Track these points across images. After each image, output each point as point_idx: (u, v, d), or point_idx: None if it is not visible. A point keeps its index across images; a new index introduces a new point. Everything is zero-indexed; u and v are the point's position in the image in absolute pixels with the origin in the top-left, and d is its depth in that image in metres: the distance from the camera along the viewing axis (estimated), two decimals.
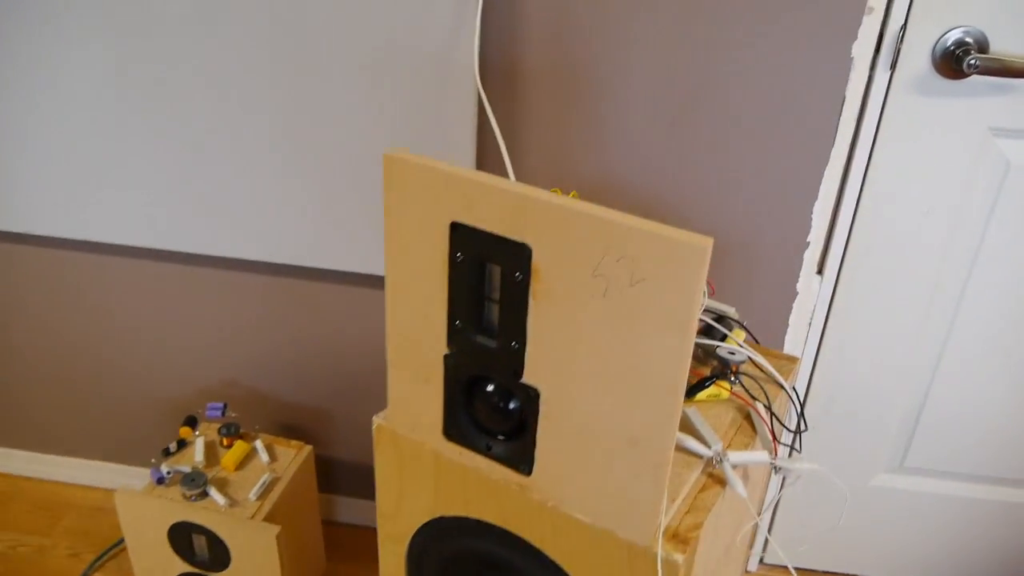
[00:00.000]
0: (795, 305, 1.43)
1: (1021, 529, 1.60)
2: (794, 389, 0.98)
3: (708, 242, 0.61)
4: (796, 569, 1.69)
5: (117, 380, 1.72)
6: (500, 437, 0.81)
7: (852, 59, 1.23)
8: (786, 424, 0.94)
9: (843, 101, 1.26)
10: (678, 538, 0.75)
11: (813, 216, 1.35)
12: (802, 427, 0.92)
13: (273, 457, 1.52)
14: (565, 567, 0.80)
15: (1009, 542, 1.62)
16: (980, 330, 1.42)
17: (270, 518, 1.41)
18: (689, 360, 0.66)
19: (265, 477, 1.45)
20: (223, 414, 1.57)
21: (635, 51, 1.26)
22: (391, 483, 0.91)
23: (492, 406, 0.79)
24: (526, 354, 0.74)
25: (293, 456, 1.53)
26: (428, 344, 0.80)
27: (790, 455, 0.93)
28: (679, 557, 0.73)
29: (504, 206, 0.69)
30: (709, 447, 0.82)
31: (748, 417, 0.92)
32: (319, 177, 1.38)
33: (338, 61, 1.27)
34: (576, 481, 0.76)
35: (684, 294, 0.63)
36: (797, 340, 1.47)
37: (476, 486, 0.83)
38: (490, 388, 0.79)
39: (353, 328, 1.57)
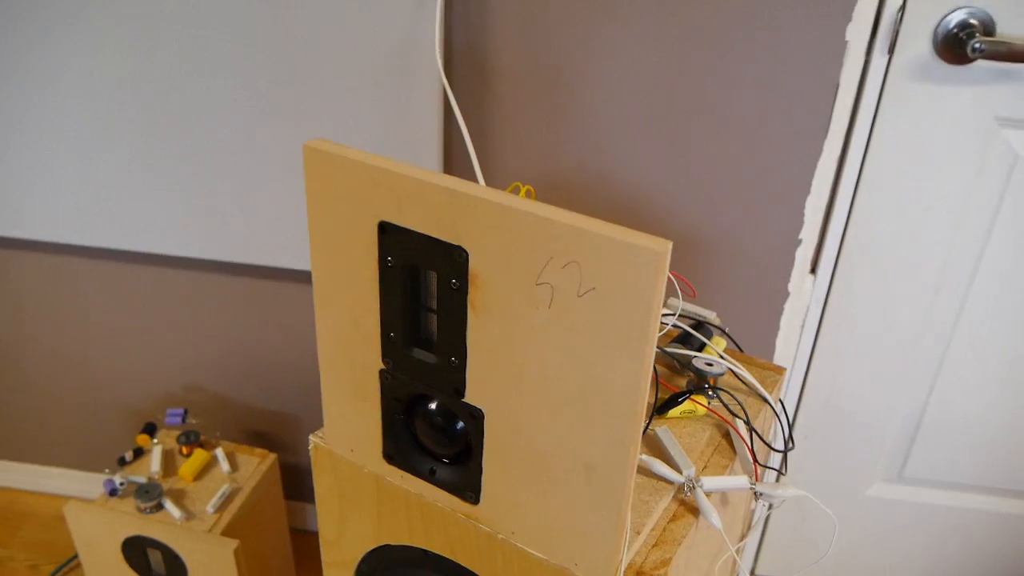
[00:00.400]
0: (787, 307, 1.34)
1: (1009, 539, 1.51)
2: (780, 403, 0.90)
3: (666, 246, 0.53)
4: None
5: (77, 384, 1.64)
6: (445, 461, 0.72)
7: (847, 43, 1.14)
8: (771, 442, 0.85)
9: (837, 88, 1.17)
10: None
11: (806, 212, 1.26)
12: (789, 446, 0.83)
13: (234, 466, 1.43)
14: None
15: (1012, 555, 1.53)
16: (984, 332, 1.33)
17: (229, 531, 1.33)
18: (648, 380, 0.57)
19: (224, 488, 1.37)
20: (183, 421, 1.48)
21: (611, 40, 1.17)
22: (332, 508, 0.82)
23: (435, 426, 0.71)
24: (467, 371, 0.65)
25: (256, 465, 1.44)
26: (362, 358, 0.71)
27: (777, 478, 0.84)
28: None
29: (436, 204, 0.60)
30: (680, 472, 0.73)
31: (728, 435, 0.83)
32: (281, 176, 1.29)
33: (295, 61, 1.19)
34: (527, 512, 0.68)
35: (640, 306, 0.54)
36: (789, 343, 1.38)
37: (420, 514, 0.75)
38: (432, 406, 0.70)
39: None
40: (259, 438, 1.64)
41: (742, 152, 1.22)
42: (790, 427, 0.85)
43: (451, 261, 0.61)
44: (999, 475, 1.45)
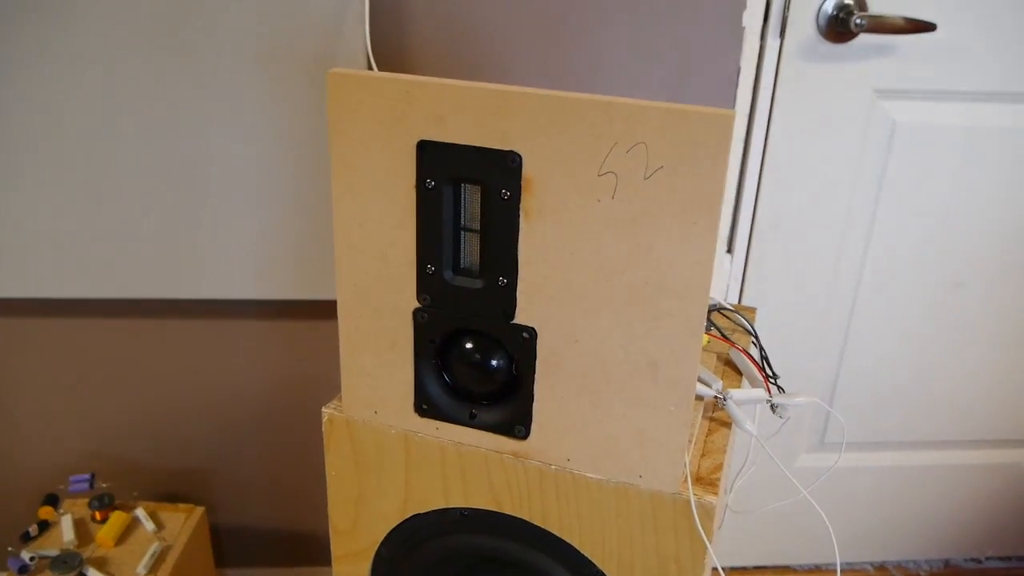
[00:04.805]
0: None
1: (938, 490, 1.62)
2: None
3: (731, 114, 0.55)
4: (737, 569, 1.64)
5: None
6: (485, 403, 0.70)
7: (743, 29, 1.24)
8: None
9: (738, 72, 1.27)
10: (703, 481, 0.67)
11: None
12: (776, 372, 0.86)
13: (159, 524, 1.30)
14: (573, 541, 0.70)
15: (931, 505, 1.64)
16: (883, 293, 1.44)
17: None
18: (715, 256, 0.58)
19: (154, 547, 1.24)
20: (91, 486, 1.34)
21: (522, 30, 1.21)
22: (347, 487, 0.77)
23: (474, 364, 0.68)
24: (518, 289, 0.64)
25: (183, 521, 1.32)
26: (392, 300, 0.68)
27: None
28: (712, 499, 0.64)
29: (484, 111, 0.59)
30: (710, 386, 0.75)
31: (728, 363, 0.85)
32: (183, 194, 1.20)
33: (211, 66, 1.14)
34: (584, 433, 0.66)
35: (710, 175, 0.56)
36: None
37: (458, 467, 0.72)
38: (469, 345, 0.68)
39: (230, 369, 1.39)
40: (173, 501, 1.50)
41: None
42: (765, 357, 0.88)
43: (503, 169, 0.60)
44: (915, 430, 1.56)
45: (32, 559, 1.20)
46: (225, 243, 1.24)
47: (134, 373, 1.39)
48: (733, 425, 0.75)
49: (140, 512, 1.31)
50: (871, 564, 1.66)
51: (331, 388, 1.41)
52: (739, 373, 0.84)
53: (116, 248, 1.23)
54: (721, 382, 0.75)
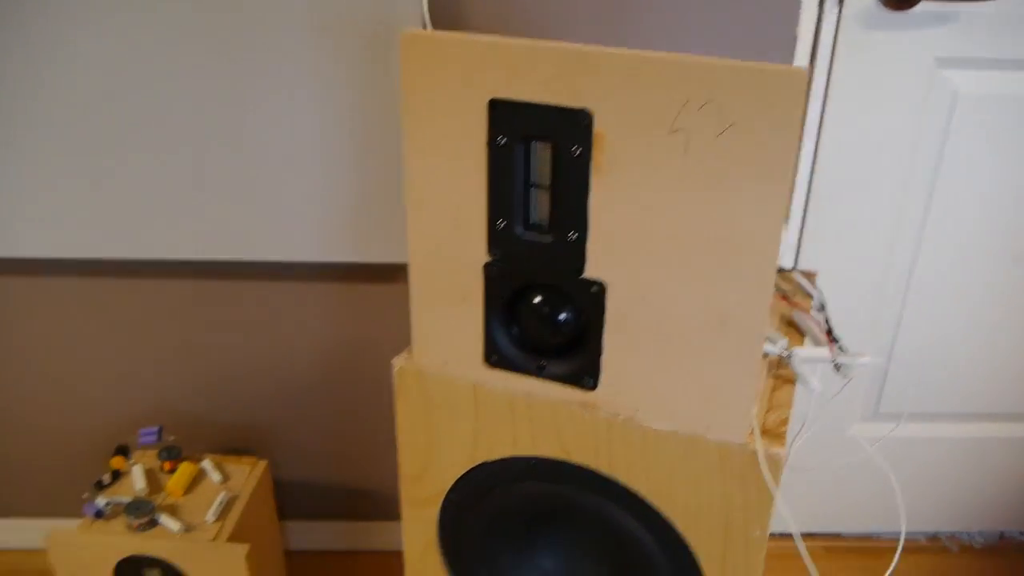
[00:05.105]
0: None
1: (994, 462, 1.61)
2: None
3: (803, 71, 0.56)
4: (788, 536, 1.65)
5: (27, 418, 1.51)
6: (553, 354, 0.72)
7: None
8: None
9: (796, 40, 1.26)
10: (770, 434, 0.69)
11: None
12: (838, 334, 0.87)
13: (225, 476, 1.35)
14: (640, 490, 0.72)
15: (986, 477, 1.63)
16: (941, 265, 1.43)
17: (234, 539, 1.25)
18: (784, 214, 0.60)
19: (222, 496, 1.29)
20: (159, 438, 1.39)
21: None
22: (417, 436, 0.80)
23: (543, 318, 0.70)
24: (588, 244, 0.66)
25: (248, 472, 1.37)
26: (463, 255, 0.71)
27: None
28: (780, 450, 0.66)
29: (555, 69, 0.61)
30: (775, 344, 0.76)
31: (790, 324, 0.86)
32: (248, 159, 1.24)
33: (271, 31, 1.17)
34: (653, 384, 0.68)
35: (781, 133, 0.57)
36: None
37: (527, 417, 0.74)
38: (538, 299, 0.70)
39: (292, 330, 1.44)
40: (237, 453, 1.56)
41: None
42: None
43: (573, 126, 0.62)
44: (969, 401, 1.55)
45: (106, 505, 1.26)
46: (289, 207, 1.28)
47: (200, 332, 1.44)
48: (796, 384, 0.76)
49: (207, 463, 1.36)
50: (923, 534, 1.66)
51: (391, 349, 1.45)
52: (801, 334, 0.85)
53: (186, 212, 1.27)
54: (786, 339, 0.77)
